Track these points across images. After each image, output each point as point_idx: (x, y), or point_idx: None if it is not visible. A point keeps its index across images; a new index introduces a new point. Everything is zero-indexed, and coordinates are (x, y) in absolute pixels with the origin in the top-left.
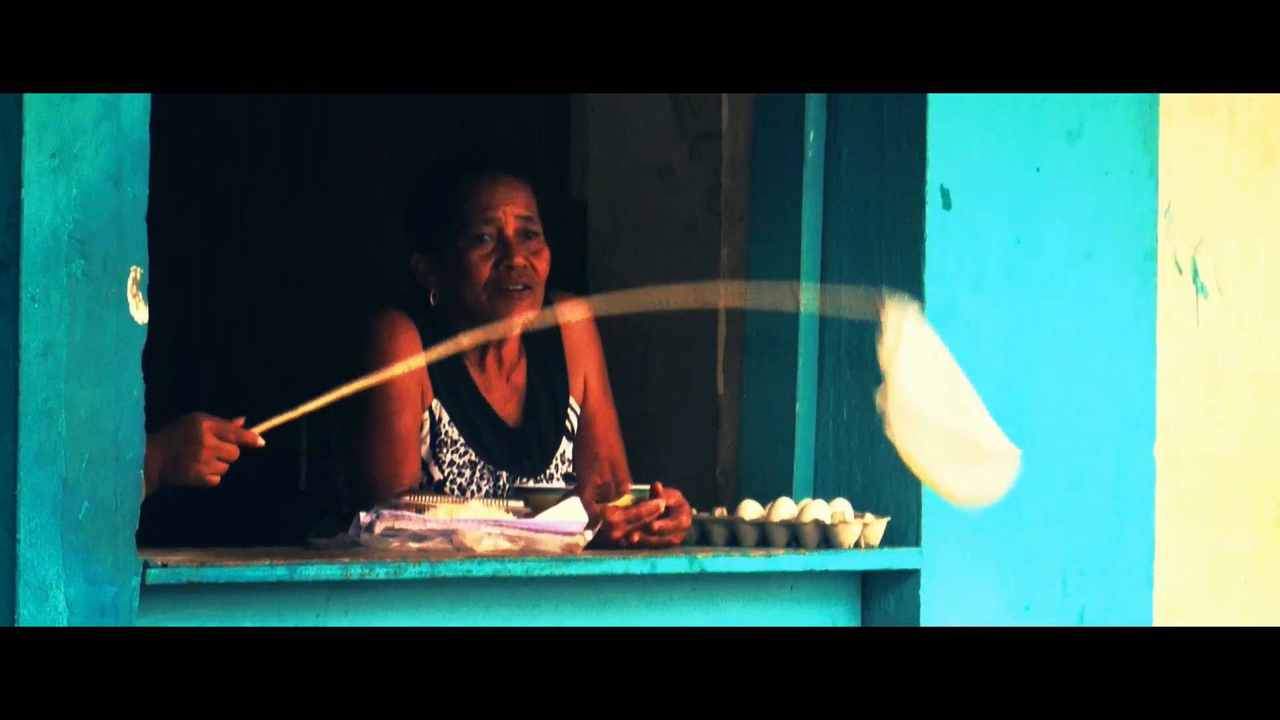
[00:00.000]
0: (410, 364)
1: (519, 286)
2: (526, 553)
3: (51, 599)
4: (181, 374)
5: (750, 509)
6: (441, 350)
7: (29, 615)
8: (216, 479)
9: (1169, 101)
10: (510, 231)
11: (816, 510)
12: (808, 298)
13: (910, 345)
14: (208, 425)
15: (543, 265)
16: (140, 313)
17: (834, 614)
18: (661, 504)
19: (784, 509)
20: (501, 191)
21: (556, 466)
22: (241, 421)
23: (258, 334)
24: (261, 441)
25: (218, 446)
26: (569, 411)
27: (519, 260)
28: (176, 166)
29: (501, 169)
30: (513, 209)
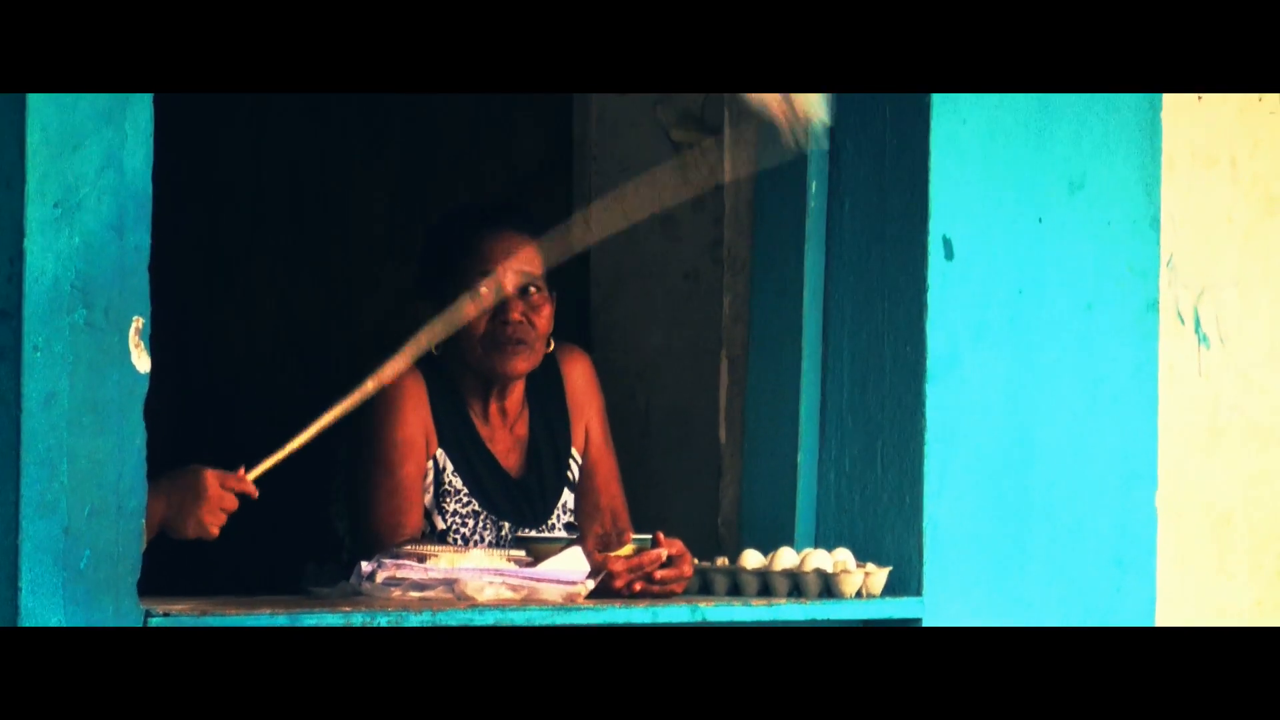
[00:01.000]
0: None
1: (513, 342)
2: (528, 602)
3: None
4: (183, 425)
5: (752, 558)
6: (411, 351)
7: None
8: (217, 530)
9: (1171, 151)
10: (509, 287)
11: (818, 559)
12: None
13: None
14: (211, 475)
15: (542, 321)
16: (142, 362)
17: None
18: (663, 553)
19: (786, 558)
20: (501, 246)
21: (559, 516)
22: (242, 471)
23: (259, 384)
24: (255, 492)
25: (221, 496)
26: (571, 461)
27: (514, 316)
28: (178, 219)
29: (505, 224)
30: (512, 264)
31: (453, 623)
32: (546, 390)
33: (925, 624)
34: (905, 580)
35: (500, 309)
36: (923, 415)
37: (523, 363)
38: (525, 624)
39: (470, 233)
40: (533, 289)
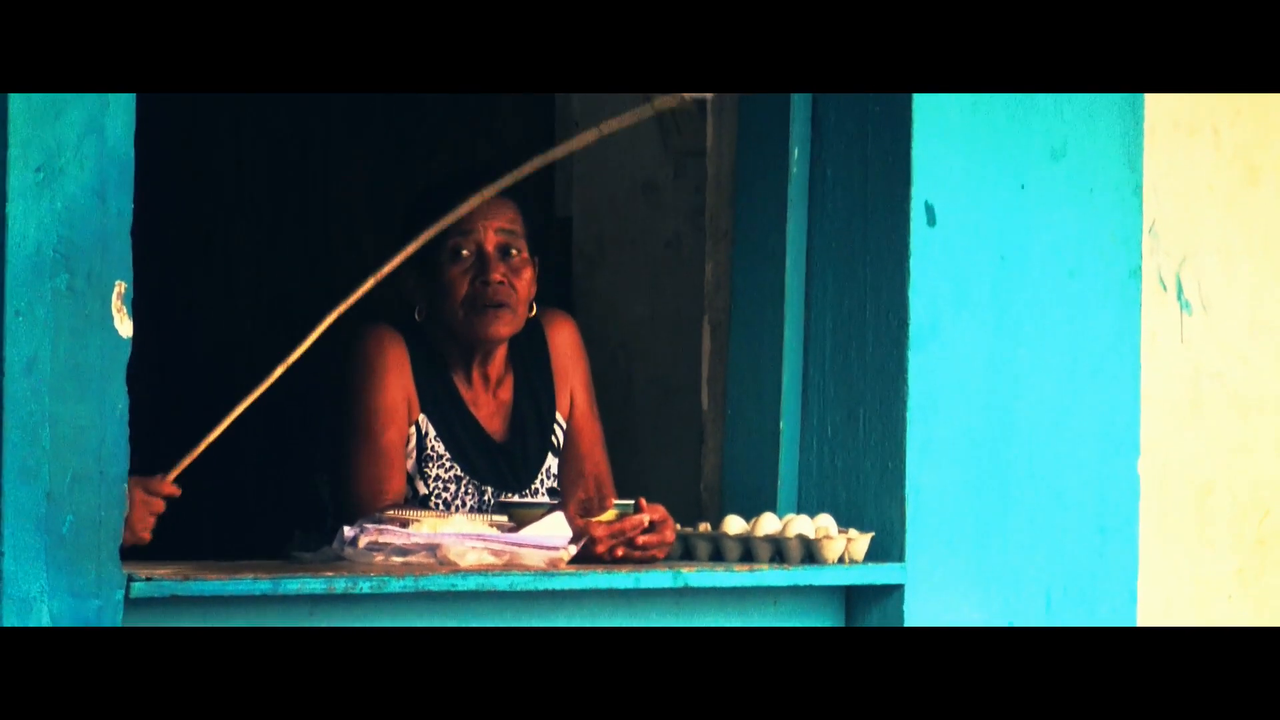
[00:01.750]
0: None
1: (495, 303)
2: (510, 567)
3: (35, 613)
4: (165, 396)
5: (734, 524)
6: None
7: None
8: (148, 535)
9: (1153, 120)
10: (490, 247)
11: (800, 525)
12: None
13: None
14: (133, 483)
15: (523, 284)
16: (125, 327)
17: None
18: (645, 519)
19: (768, 524)
20: (482, 208)
21: (542, 481)
22: (162, 476)
23: (240, 353)
24: (178, 491)
25: (147, 502)
26: (555, 427)
27: (495, 276)
28: (161, 189)
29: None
30: (493, 225)
31: (434, 588)
32: (531, 355)
33: (908, 590)
34: (887, 546)
35: (481, 270)
36: (905, 382)
37: (504, 325)
38: (507, 589)
39: (452, 195)
40: (514, 250)
